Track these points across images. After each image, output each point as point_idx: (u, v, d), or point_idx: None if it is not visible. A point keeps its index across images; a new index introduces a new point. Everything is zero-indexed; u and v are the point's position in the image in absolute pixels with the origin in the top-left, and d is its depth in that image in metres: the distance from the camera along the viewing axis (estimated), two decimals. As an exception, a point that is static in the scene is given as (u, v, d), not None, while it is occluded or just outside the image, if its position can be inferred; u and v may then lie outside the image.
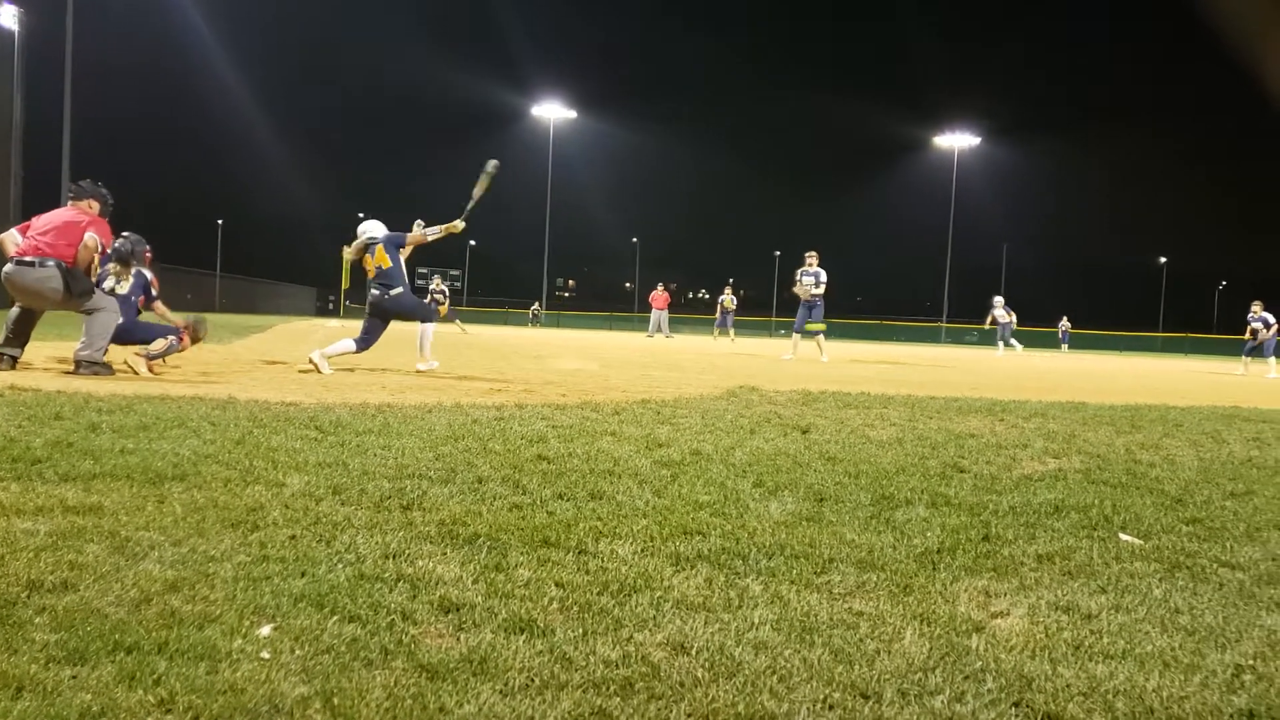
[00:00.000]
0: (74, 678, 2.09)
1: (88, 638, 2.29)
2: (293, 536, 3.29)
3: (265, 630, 2.42)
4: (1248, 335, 24.69)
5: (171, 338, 9.21)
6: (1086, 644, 2.64)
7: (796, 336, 19.67)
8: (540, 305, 74.08)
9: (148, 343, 9.17)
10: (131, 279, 9.89)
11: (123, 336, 9.21)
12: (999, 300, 34.22)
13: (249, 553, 3.07)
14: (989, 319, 34.33)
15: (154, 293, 10.18)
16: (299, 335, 21.48)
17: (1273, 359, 23.57)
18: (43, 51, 39.20)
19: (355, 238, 10.75)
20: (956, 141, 72.16)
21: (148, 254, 10.08)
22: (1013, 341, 34.17)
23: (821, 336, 19.31)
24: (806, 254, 19.58)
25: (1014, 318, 34.57)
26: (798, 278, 19.53)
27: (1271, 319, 23.98)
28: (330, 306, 77.30)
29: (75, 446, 4.62)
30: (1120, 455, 6.25)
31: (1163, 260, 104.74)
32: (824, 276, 19.22)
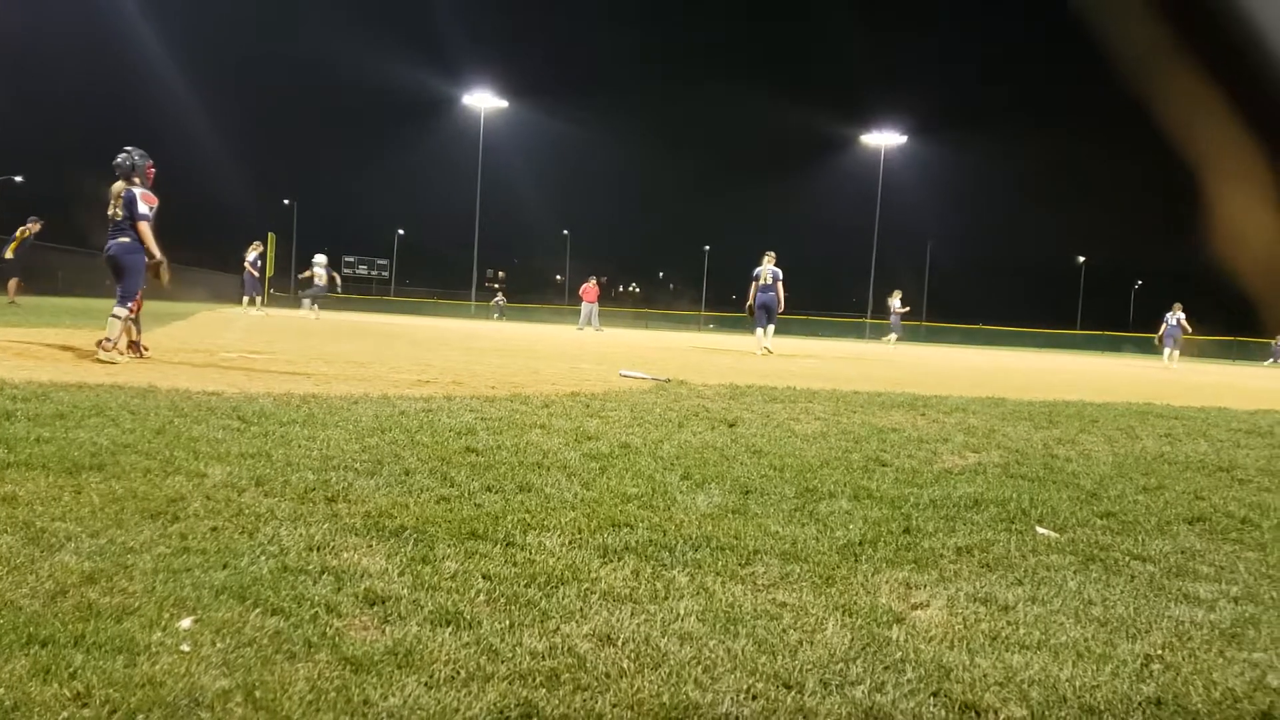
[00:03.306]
0: (-14, 672, 2.04)
1: (0, 631, 2.24)
2: (214, 528, 3.25)
3: (185, 623, 2.38)
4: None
5: (123, 311, 9.01)
6: (1003, 635, 2.71)
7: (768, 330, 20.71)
8: (504, 297, 71.40)
9: (131, 294, 9.09)
10: (123, 198, 9.22)
11: (122, 272, 9.16)
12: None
13: (169, 544, 3.02)
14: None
15: (140, 211, 9.25)
16: (221, 323, 21.08)
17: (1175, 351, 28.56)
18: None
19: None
20: (883, 140, 73.00)
21: (151, 169, 9.49)
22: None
23: (771, 329, 20.51)
24: (765, 253, 20.41)
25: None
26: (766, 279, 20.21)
27: (1175, 320, 28.60)
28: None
29: (-13, 435, 4.49)
30: (1038, 450, 6.40)
31: (1081, 259, 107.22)
32: (779, 274, 20.23)
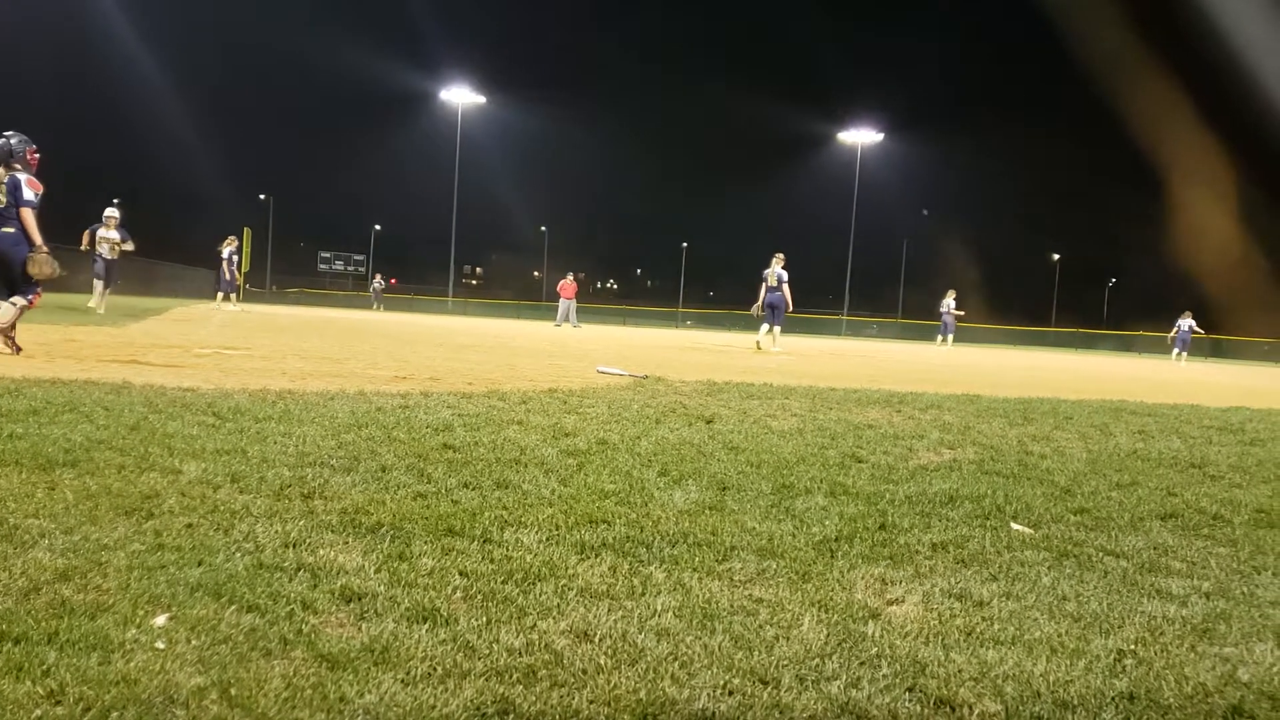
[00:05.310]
0: (-43, 670, 2.03)
1: (-28, 629, 2.22)
2: (189, 525, 3.23)
3: (160, 620, 2.37)
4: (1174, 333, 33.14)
5: (21, 300, 8.60)
6: (978, 630, 2.73)
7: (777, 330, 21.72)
8: (382, 280, 63.74)
9: (34, 286, 8.68)
10: (6, 184, 8.73)
11: (13, 269, 8.66)
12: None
13: (144, 541, 3.00)
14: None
15: (24, 196, 8.76)
16: (197, 319, 20.95)
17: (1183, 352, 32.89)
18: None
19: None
20: (860, 138, 73.26)
21: (33, 154, 8.97)
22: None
23: (778, 329, 21.59)
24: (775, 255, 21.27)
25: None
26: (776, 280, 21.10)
27: (1187, 325, 32.54)
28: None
29: (-42, 431, 4.44)
30: (1013, 446, 6.44)
31: (1056, 257, 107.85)
32: (785, 276, 21.16)
